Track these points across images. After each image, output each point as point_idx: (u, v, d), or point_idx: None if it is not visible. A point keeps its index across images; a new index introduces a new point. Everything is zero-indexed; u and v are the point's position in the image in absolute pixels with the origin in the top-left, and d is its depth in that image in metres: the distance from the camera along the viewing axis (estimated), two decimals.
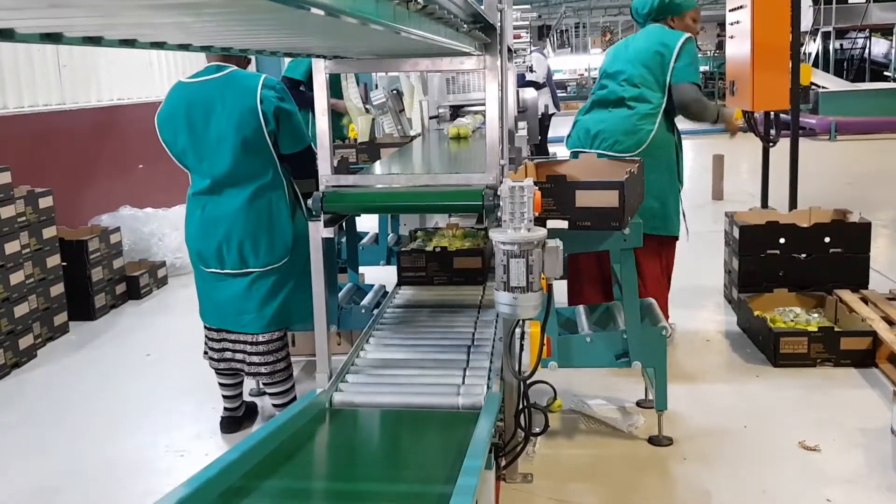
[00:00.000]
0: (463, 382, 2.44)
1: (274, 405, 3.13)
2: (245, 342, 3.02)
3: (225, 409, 3.22)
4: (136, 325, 4.98)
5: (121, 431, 3.36)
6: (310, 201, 2.36)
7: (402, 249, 3.36)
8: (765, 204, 5.90)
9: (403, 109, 5.15)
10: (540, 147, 8.23)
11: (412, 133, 5.01)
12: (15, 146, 5.46)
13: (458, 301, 3.12)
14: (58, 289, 4.78)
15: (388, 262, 4.53)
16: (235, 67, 2.92)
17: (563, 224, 2.53)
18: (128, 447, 3.21)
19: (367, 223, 4.68)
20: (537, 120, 4.88)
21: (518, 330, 2.37)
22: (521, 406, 2.47)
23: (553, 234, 2.22)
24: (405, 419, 2.29)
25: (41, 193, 4.71)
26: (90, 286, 5.07)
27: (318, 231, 2.41)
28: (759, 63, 6.99)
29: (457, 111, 5.05)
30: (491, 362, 2.55)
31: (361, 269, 4.48)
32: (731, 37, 7.71)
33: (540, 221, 2.26)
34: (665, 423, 2.96)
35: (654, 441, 2.94)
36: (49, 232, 4.75)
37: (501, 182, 2.34)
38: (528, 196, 2.17)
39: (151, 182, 6.78)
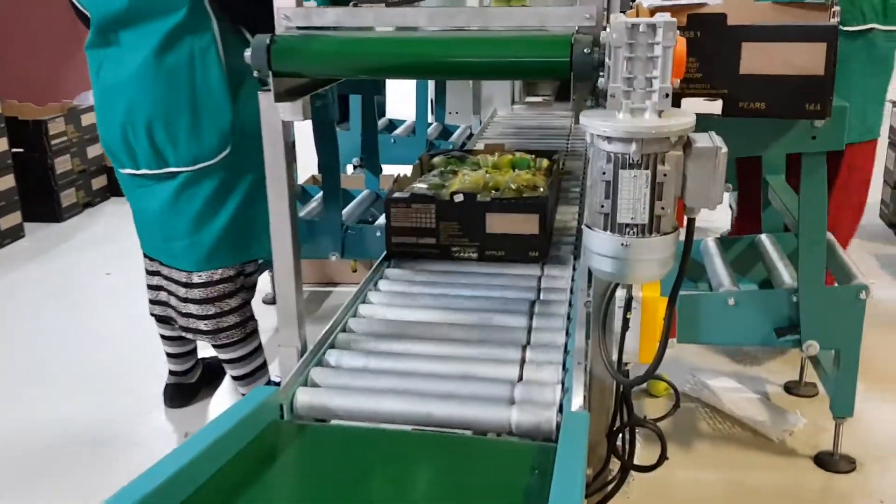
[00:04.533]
0: (520, 379, 1.47)
1: (233, 378, 2.23)
2: (178, 282, 2.10)
3: (170, 372, 2.35)
4: (111, 230, 4.14)
5: (40, 397, 2.53)
6: (248, 53, 1.35)
7: (394, 196, 1.85)
8: None
9: None
10: None
11: None
12: None
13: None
14: (6, 182, 3.94)
15: None
16: None
17: (716, 105, 1.48)
18: (39, 420, 2.38)
19: (400, 107, 3.68)
20: None
21: (622, 297, 1.39)
22: (618, 422, 1.52)
23: (701, 124, 1.20)
24: (412, 447, 1.34)
25: None
26: (53, 179, 4.22)
27: (271, 108, 1.42)
28: None
29: None
30: (567, 343, 1.57)
31: (390, 170, 3.53)
32: None
33: (675, 102, 1.21)
34: (845, 434, 1.96)
35: (826, 462, 1.96)
36: None
37: (607, 21, 1.32)
38: (665, 46, 1.14)
39: None
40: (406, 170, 3.63)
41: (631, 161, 1.17)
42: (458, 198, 1.77)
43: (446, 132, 3.90)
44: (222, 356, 2.18)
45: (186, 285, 2.09)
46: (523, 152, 2.18)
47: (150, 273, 2.23)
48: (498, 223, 1.75)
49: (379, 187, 3.32)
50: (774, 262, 2.02)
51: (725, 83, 1.46)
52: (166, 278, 2.14)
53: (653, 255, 1.20)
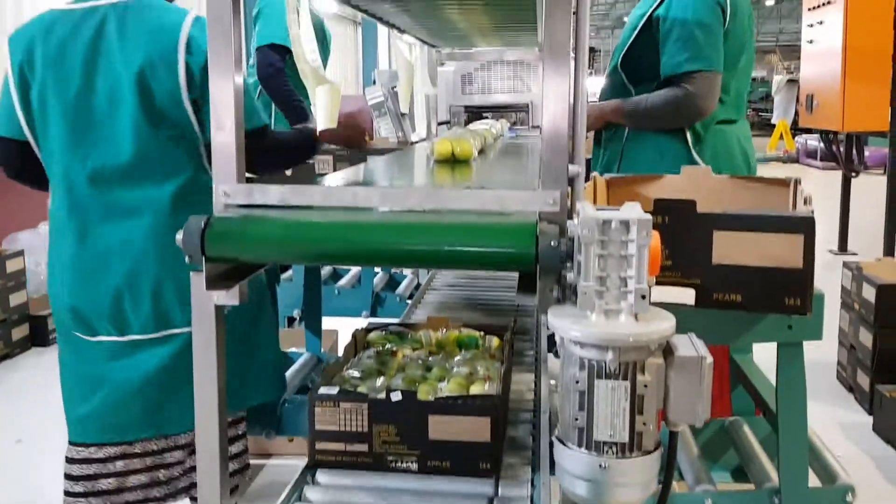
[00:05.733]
0: None
1: None
2: (178, 447, 1.90)
3: None
4: (30, 387, 3.85)
5: None
6: (179, 235, 1.22)
7: (319, 392, 1.50)
8: (890, 251, 4.73)
9: (406, 114, 4.05)
10: None
11: (414, 139, 3.92)
12: None
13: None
14: None
15: (374, 314, 3.54)
16: None
17: (688, 295, 1.38)
18: None
19: None
20: None
21: None
22: None
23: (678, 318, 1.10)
24: None
25: None
26: None
27: (201, 294, 1.28)
28: (852, 73, 5.95)
29: (477, 115, 3.97)
30: None
31: (333, 324, 3.37)
32: (811, 41, 6.66)
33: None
34: None
35: None
36: None
37: (574, 210, 1.23)
38: (640, 245, 1.05)
39: None
40: (350, 324, 3.49)
41: (608, 370, 1.05)
42: (396, 396, 1.48)
43: (393, 282, 3.79)
44: None
45: (174, 448, 1.89)
46: (470, 328, 1.98)
47: (91, 461, 1.95)
48: (442, 427, 1.45)
49: (321, 348, 3.16)
50: (749, 453, 1.90)
51: (698, 273, 1.38)
52: (153, 453, 1.90)
53: (634, 477, 1.06)
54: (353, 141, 2.46)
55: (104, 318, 1.84)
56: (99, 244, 1.82)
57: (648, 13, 2.38)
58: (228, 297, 1.32)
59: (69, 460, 1.92)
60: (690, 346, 1.08)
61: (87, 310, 1.85)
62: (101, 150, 1.79)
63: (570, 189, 1.37)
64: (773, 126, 14.99)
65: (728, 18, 2.27)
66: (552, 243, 1.17)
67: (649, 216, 1.06)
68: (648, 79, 2.40)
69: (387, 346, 1.85)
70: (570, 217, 1.28)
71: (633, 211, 1.10)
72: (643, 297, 1.06)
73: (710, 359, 1.06)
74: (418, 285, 3.56)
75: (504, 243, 1.20)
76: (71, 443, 1.93)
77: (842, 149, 6.20)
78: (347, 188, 1.36)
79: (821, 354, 3.80)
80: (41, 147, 1.86)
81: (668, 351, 1.08)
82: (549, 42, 1.28)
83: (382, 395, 1.48)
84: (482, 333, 1.94)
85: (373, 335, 1.92)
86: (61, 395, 1.95)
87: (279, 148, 2.02)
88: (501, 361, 1.77)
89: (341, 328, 3.51)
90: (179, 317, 1.82)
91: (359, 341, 1.88)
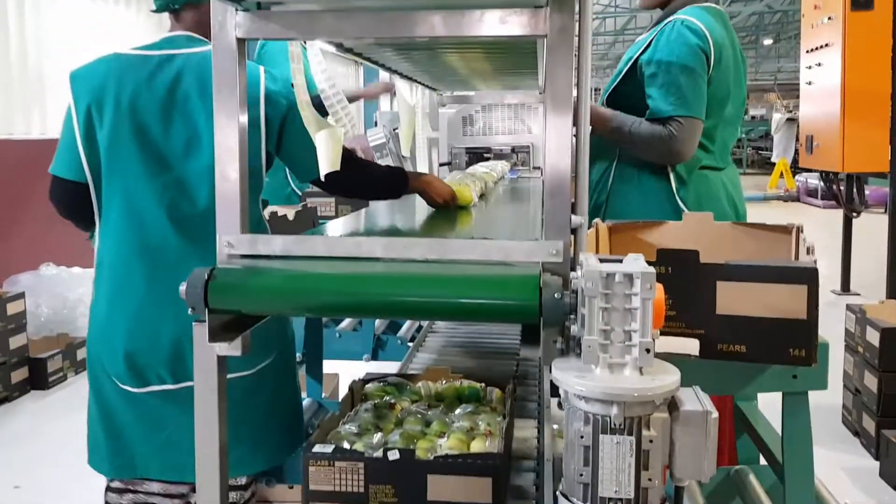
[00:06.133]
0: None
1: None
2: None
3: None
4: (28, 431, 3.82)
5: None
6: (182, 287, 1.23)
7: (314, 450, 1.47)
8: (893, 293, 4.72)
9: (407, 157, 4.09)
10: None
11: None
12: None
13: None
14: None
15: (375, 357, 3.45)
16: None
17: (692, 345, 1.38)
18: None
19: None
20: None
21: None
22: None
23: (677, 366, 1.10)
24: None
25: None
26: None
27: (204, 346, 1.28)
28: (852, 114, 6.00)
29: (478, 157, 4.00)
30: None
31: (334, 367, 3.36)
32: (809, 82, 6.73)
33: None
34: None
35: None
36: None
37: (577, 261, 1.24)
38: (644, 298, 1.05)
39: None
40: (351, 367, 3.47)
41: (612, 425, 1.04)
42: (393, 455, 1.43)
43: (395, 325, 3.78)
44: None
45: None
46: (472, 379, 1.92)
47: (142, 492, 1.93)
48: (442, 488, 1.40)
49: (322, 393, 3.15)
50: (755, 502, 1.88)
51: (701, 323, 1.38)
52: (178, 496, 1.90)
53: None
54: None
55: (162, 365, 1.82)
56: (170, 288, 1.80)
57: (634, 57, 2.41)
58: (231, 349, 1.32)
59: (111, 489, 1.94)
60: (696, 401, 1.08)
61: (143, 357, 1.82)
62: (178, 194, 1.80)
63: (572, 238, 1.37)
64: (773, 164, 15.07)
65: (712, 66, 2.30)
66: (556, 295, 1.17)
67: (653, 270, 1.06)
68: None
69: (385, 399, 1.80)
70: (573, 268, 1.29)
71: (636, 263, 1.10)
72: (648, 350, 1.06)
73: (715, 414, 1.05)
74: (420, 328, 3.55)
75: (507, 296, 1.21)
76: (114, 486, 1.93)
77: (842, 188, 6.22)
78: (351, 238, 1.37)
79: (825, 397, 3.75)
80: (104, 189, 1.84)
81: (673, 405, 1.07)
82: (551, 92, 1.30)
83: (379, 454, 1.44)
84: (483, 385, 1.89)
85: (370, 387, 1.87)
86: (87, 435, 1.94)
87: (370, 174, 2.03)
88: (504, 415, 1.72)
89: (342, 371, 3.50)
90: (233, 362, 1.80)
91: (356, 393, 1.83)
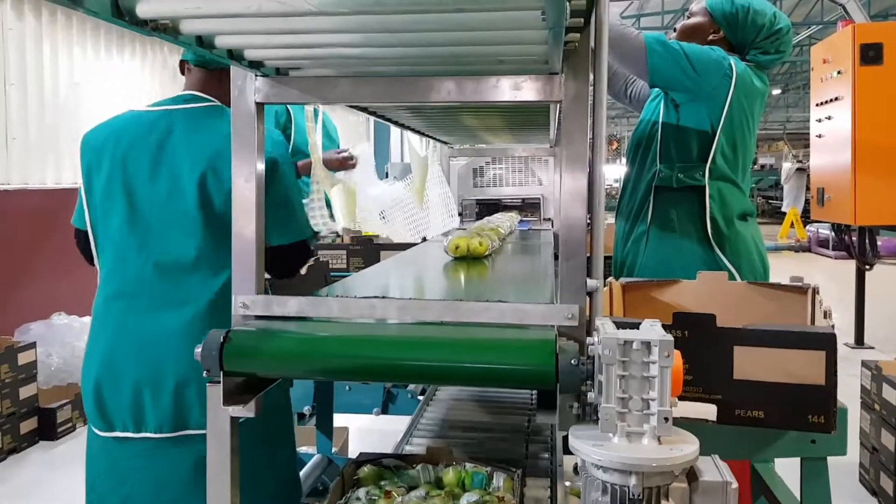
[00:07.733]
0: None
1: None
2: None
3: None
4: (36, 483, 3.79)
5: None
6: (198, 350, 1.23)
7: None
8: None
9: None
10: None
11: (429, 235, 3.94)
12: None
13: None
14: None
15: (385, 410, 3.44)
16: (218, 103, 1.92)
17: (710, 411, 1.36)
18: None
19: None
20: None
21: None
22: None
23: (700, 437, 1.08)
24: None
25: None
26: None
27: (218, 408, 1.27)
28: (863, 167, 6.02)
29: (491, 208, 4.02)
30: None
31: (344, 420, 3.34)
32: (820, 136, 6.75)
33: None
34: None
35: None
36: None
37: (593, 325, 1.23)
38: (662, 367, 1.05)
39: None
40: (361, 421, 3.43)
41: (631, 496, 1.03)
42: None
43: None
44: None
45: None
46: (477, 463, 1.74)
47: None
48: None
49: (332, 448, 3.12)
50: None
51: (719, 388, 1.37)
52: None
53: None
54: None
55: (124, 410, 1.82)
56: (135, 333, 1.82)
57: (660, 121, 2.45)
58: (245, 411, 1.32)
59: None
60: (715, 471, 1.07)
61: (109, 399, 1.83)
62: (157, 242, 1.83)
63: (588, 300, 1.36)
64: (784, 214, 15.03)
65: (733, 85, 2.34)
66: (572, 362, 1.17)
67: (671, 337, 1.06)
68: (682, 159, 2.46)
69: (382, 483, 1.66)
70: (589, 332, 1.29)
71: (654, 330, 1.10)
72: (666, 419, 1.05)
73: (735, 484, 1.04)
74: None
75: (523, 361, 1.20)
76: None
77: (854, 240, 6.21)
78: (365, 300, 1.36)
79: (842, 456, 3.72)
80: (98, 239, 1.90)
81: (692, 475, 1.06)
82: (566, 155, 1.31)
83: None
84: (489, 470, 1.72)
85: (364, 471, 1.72)
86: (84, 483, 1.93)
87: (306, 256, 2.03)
88: None
89: (352, 425, 3.47)
90: (195, 418, 1.80)
91: (346, 480, 1.68)
